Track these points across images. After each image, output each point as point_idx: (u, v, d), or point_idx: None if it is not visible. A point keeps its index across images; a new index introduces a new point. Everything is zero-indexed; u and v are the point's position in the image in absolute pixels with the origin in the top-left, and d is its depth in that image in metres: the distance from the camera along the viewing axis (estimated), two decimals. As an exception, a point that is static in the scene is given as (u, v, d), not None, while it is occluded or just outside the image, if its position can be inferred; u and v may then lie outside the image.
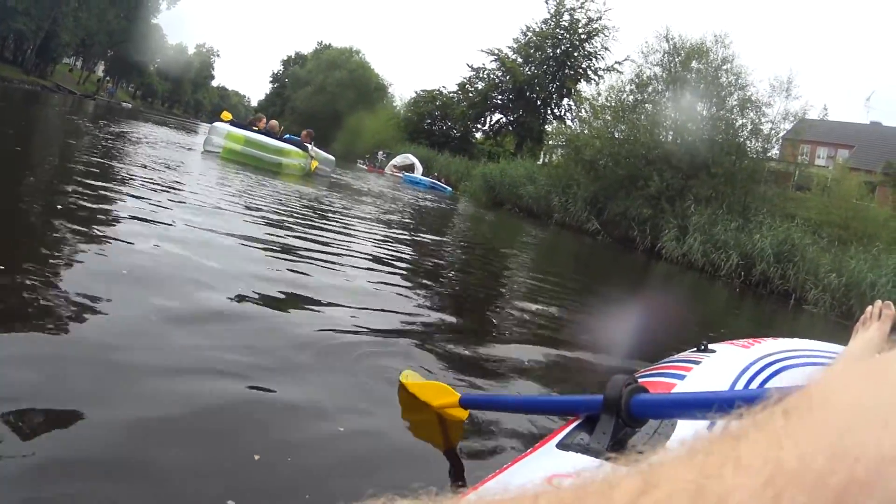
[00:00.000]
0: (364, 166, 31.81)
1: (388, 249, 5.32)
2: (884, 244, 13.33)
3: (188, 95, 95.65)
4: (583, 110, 23.01)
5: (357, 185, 15.17)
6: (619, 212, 18.25)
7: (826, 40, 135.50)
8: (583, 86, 33.87)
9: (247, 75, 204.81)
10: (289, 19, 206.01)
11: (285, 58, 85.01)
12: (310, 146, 12.00)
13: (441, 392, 1.89)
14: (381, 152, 35.91)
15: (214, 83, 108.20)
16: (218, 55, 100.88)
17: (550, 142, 31.45)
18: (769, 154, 18.42)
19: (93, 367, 1.68)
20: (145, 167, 6.38)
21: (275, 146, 10.37)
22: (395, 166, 31.81)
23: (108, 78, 64.80)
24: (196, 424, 1.56)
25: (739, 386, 1.29)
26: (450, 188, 26.42)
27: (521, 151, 33.13)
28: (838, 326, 10.77)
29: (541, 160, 30.32)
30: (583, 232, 18.90)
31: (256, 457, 1.47)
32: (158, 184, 5.27)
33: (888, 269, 12.21)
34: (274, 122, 11.70)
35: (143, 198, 4.33)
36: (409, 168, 31.44)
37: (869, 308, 1.74)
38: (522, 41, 36.37)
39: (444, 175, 29.55)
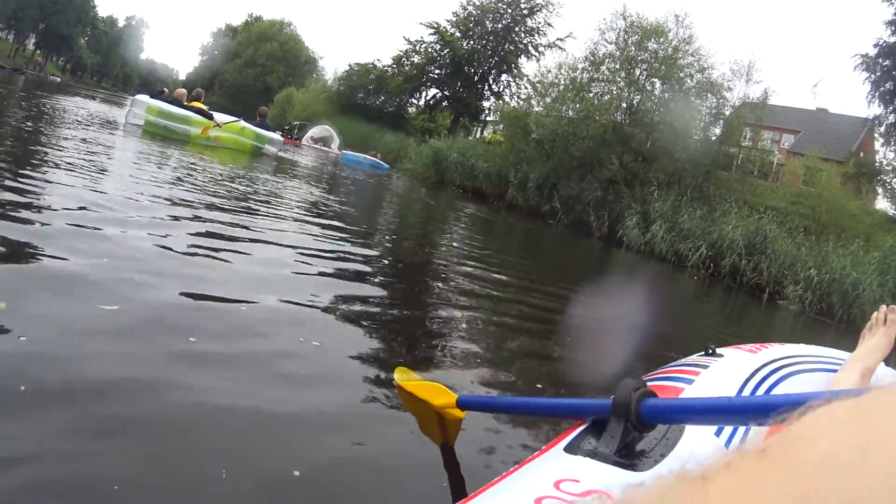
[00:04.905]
0: (281, 138, 29.07)
1: (346, 243, 4.76)
2: (862, 240, 12.11)
3: (117, 69, 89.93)
4: (522, 87, 21.20)
5: (297, 164, 14.51)
6: (573, 195, 16.38)
7: (774, 26, 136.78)
8: (523, 62, 32.21)
9: (175, 48, 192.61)
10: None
11: (215, 30, 79.13)
12: (235, 120, 11.58)
13: (438, 392, 1.62)
14: (293, 121, 32.82)
15: (143, 56, 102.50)
16: (148, 27, 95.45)
17: (490, 118, 29.54)
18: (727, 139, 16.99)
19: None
20: (72, 149, 5.73)
21: (181, 115, 9.94)
22: (312, 138, 29.03)
23: (38, 52, 59.72)
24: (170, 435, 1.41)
25: (747, 391, 1.22)
26: (387, 165, 24.28)
27: (457, 127, 31.20)
28: (817, 324, 9.80)
29: (471, 136, 28.50)
30: (536, 215, 16.98)
31: (253, 465, 1.38)
32: (88, 168, 4.65)
33: (870, 267, 10.77)
34: (181, 91, 10.66)
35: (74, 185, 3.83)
36: (327, 140, 28.79)
37: (875, 314, 1.60)
38: (462, 15, 33.62)
39: (379, 152, 27.24)
